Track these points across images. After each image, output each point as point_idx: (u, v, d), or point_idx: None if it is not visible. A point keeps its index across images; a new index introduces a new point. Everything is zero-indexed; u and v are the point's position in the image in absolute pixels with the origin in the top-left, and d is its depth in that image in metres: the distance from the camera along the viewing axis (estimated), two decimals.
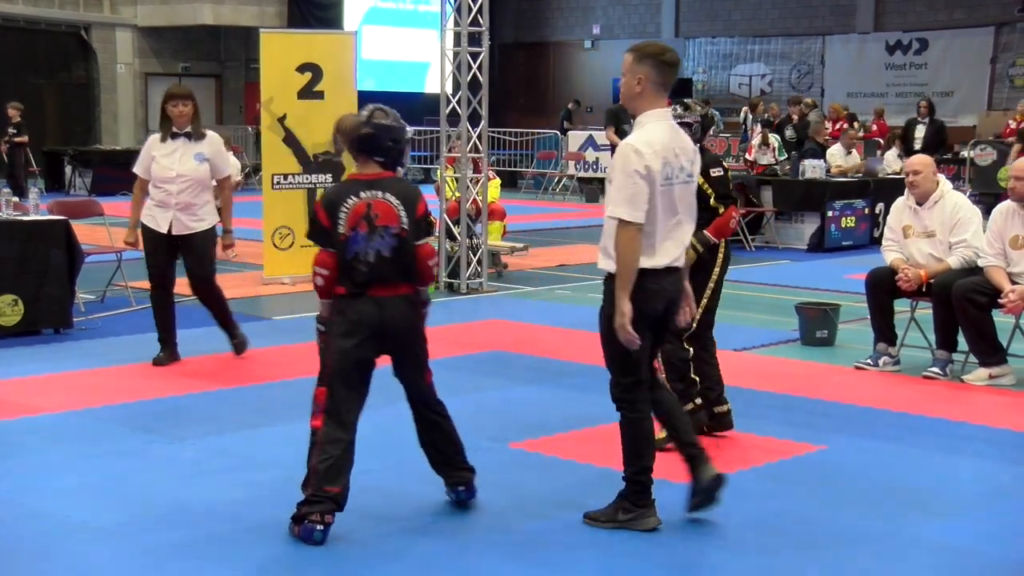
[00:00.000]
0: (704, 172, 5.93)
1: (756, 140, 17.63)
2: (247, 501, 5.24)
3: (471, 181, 11.68)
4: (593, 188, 22.80)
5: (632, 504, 4.87)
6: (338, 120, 5.48)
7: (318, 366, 4.91)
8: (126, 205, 8.49)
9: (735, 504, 5.09)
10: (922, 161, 8.07)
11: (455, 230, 11.42)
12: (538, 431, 6.33)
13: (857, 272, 9.82)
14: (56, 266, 8.78)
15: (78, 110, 26.37)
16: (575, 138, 24.87)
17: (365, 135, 4.87)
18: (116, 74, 26.65)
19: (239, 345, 8.21)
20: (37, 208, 9.18)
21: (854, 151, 17.43)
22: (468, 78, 11.57)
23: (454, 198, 11.66)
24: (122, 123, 26.83)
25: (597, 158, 23.76)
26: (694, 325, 5.77)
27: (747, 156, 17.66)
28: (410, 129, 5.16)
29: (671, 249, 4.81)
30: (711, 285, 6.15)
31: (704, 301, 6.09)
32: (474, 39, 11.69)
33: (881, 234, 9.09)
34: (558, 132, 25.88)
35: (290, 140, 11.50)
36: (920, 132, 19.87)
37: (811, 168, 15.27)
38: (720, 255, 6.17)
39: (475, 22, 11.65)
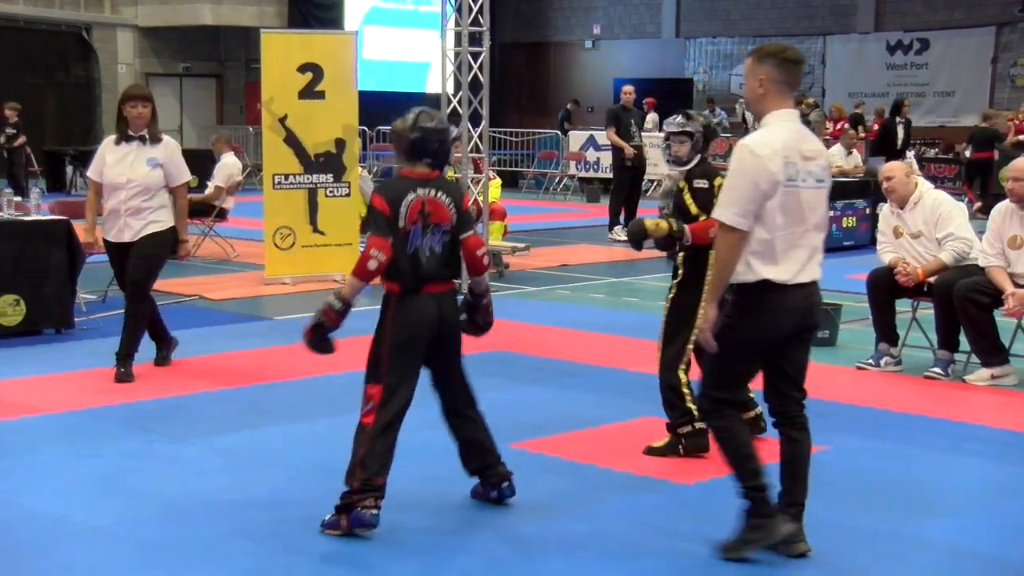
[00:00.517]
0: (688, 182, 5.89)
1: None
2: (247, 501, 5.23)
3: (472, 181, 11.68)
4: (594, 188, 22.79)
5: (758, 517, 4.53)
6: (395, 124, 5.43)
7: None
8: None
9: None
10: (893, 167, 8.16)
11: None
12: (540, 431, 6.32)
13: (858, 272, 9.80)
14: (57, 266, 8.78)
15: (79, 110, 26.38)
16: (576, 138, 24.87)
17: (414, 140, 4.94)
18: (117, 74, 26.65)
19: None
20: (38, 208, 9.18)
21: (855, 151, 17.46)
22: (469, 78, 11.57)
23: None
24: None
25: (598, 158, 23.75)
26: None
27: None
28: (454, 129, 5.20)
29: (800, 257, 4.45)
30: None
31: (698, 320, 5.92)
32: (475, 39, 11.69)
33: None
34: (559, 132, 25.89)
35: (291, 140, 11.50)
36: (901, 133, 20.00)
37: None
38: (712, 270, 5.98)
39: (476, 22, 11.65)
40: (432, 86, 26.94)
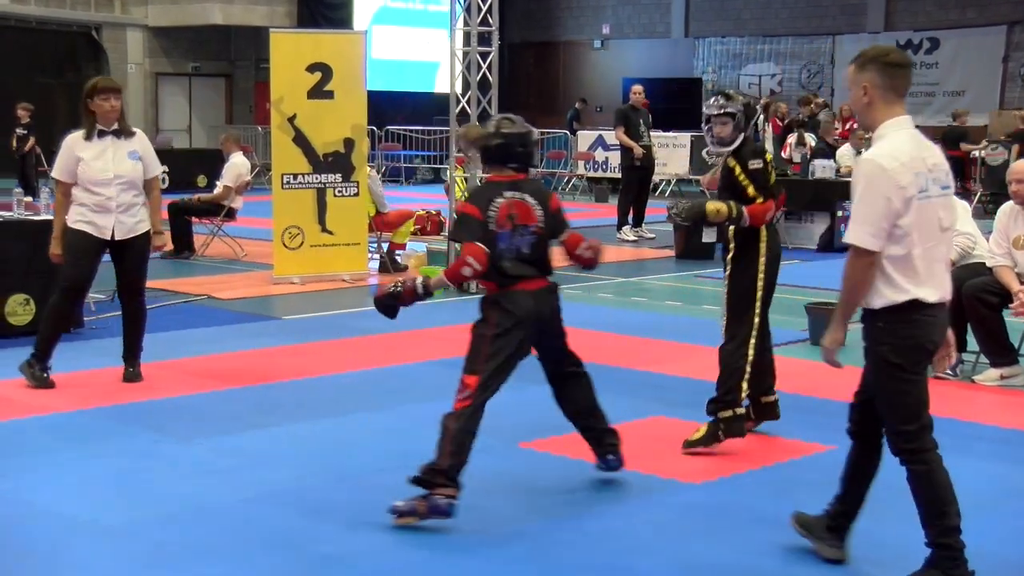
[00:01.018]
0: (742, 163, 5.91)
1: (792, 139, 17.72)
2: (256, 500, 5.24)
3: (480, 181, 11.67)
4: (603, 188, 22.79)
5: (944, 574, 4.23)
6: (465, 129, 5.67)
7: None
8: None
9: (744, 503, 5.07)
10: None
11: None
12: (547, 431, 6.32)
13: None
14: None
15: None
16: (584, 138, 24.87)
17: (497, 146, 5.12)
18: (127, 74, 26.73)
19: (131, 375, 7.41)
20: (48, 208, 9.19)
21: (863, 151, 17.41)
22: (478, 78, 11.58)
23: (464, 198, 11.67)
24: (132, 123, 26.58)
25: (607, 158, 23.75)
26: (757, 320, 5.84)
27: (782, 154, 17.69)
28: (536, 131, 5.34)
29: (940, 274, 4.24)
30: (761, 275, 5.91)
31: (759, 293, 5.91)
32: (484, 39, 11.69)
33: None
34: (567, 132, 25.88)
35: (300, 140, 11.51)
36: None
37: (821, 168, 15.27)
38: (763, 244, 5.92)
39: (485, 22, 11.66)
40: (441, 86, 26.99)
